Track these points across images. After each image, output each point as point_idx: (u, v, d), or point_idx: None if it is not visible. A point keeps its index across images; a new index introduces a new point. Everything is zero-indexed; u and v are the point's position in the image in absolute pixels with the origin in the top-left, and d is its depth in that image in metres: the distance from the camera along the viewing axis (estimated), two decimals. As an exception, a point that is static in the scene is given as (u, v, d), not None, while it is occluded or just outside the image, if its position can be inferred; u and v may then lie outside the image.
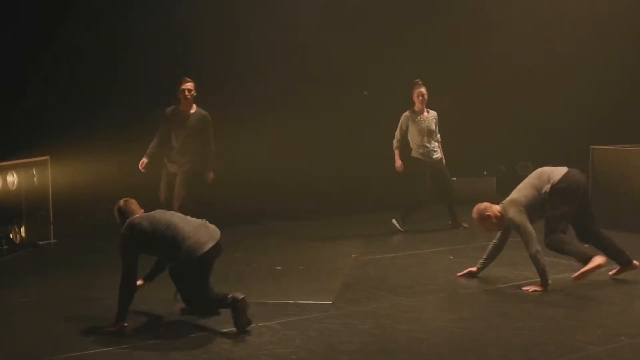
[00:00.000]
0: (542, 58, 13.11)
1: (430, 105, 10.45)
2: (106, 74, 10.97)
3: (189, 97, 9.32)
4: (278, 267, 8.31)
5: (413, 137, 10.39)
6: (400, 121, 10.45)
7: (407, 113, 10.42)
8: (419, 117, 10.35)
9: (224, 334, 5.97)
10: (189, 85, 9.35)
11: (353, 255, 8.92)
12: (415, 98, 10.37)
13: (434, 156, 10.41)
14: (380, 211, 11.82)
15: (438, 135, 10.47)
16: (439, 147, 10.50)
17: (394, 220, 10.49)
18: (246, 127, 11.35)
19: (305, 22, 11.87)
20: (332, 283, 7.58)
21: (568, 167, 7.59)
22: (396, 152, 10.49)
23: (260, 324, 6.18)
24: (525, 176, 7.83)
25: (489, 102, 12.94)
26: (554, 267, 7.99)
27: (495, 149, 13.12)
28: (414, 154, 10.48)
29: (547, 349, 5.58)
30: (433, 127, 10.39)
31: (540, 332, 6.00)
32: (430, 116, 10.41)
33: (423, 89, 10.33)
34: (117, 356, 5.50)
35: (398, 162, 10.47)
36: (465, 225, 10.37)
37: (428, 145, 10.36)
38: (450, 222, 10.65)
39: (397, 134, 10.47)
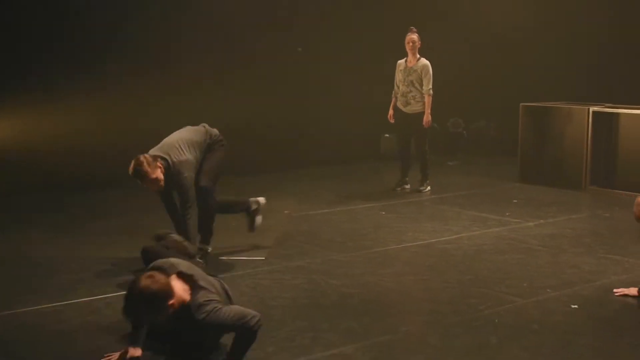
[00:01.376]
0: (472, 15, 13.18)
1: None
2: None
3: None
4: (211, 224, 8.29)
5: (398, 85, 10.10)
6: (396, 69, 10.13)
7: (400, 61, 10.08)
8: (403, 66, 10.00)
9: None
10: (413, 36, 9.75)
11: (286, 212, 8.95)
12: (405, 44, 9.93)
13: (411, 107, 9.92)
14: (313, 166, 11.88)
15: (429, 87, 9.78)
16: (423, 99, 9.86)
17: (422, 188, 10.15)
18: (188, 82, 11.22)
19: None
20: (264, 239, 7.61)
21: None
22: (392, 101, 10.15)
23: (193, 281, 6.20)
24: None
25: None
26: (483, 222, 8.16)
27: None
28: (397, 102, 10.13)
29: (474, 301, 5.71)
30: (414, 76, 9.87)
31: (468, 286, 6.13)
32: (417, 66, 9.88)
33: (413, 36, 9.85)
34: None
35: (389, 112, 10.14)
36: (407, 187, 10.23)
37: (406, 95, 9.93)
38: (400, 179, 10.31)
39: (395, 82, 10.13)
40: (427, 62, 9.90)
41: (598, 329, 5.15)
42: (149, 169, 6.29)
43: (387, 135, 12.80)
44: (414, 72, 9.87)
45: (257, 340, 4.49)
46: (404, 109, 10.03)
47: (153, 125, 10.92)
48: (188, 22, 11.48)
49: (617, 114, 10.12)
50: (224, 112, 11.52)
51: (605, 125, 10.22)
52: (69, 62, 10.79)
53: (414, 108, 9.94)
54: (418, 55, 9.93)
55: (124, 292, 4.33)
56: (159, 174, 6.38)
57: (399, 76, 10.06)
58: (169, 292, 4.31)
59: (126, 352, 4.57)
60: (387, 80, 10.52)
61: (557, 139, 10.54)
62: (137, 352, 4.55)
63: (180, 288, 4.41)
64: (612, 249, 7.18)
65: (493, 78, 12.86)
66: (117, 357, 4.60)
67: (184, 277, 4.50)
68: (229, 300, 4.86)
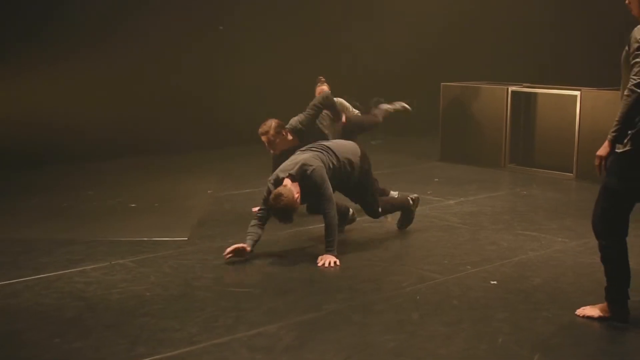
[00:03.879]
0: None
1: None
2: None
3: None
4: (132, 205, 8.22)
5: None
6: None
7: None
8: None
9: (77, 273, 5.89)
10: None
11: (209, 191, 8.92)
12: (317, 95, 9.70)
13: None
14: (236, 146, 11.83)
15: (355, 111, 9.05)
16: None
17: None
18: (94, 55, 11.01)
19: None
20: (187, 219, 7.58)
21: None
22: None
23: (114, 262, 6.14)
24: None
25: (343, 42, 13.02)
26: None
27: (347, 85, 13.28)
28: None
29: (396, 279, 5.79)
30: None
31: (389, 264, 6.21)
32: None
33: (324, 87, 9.03)
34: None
35: None
36: None
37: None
38: None
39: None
40: (341, 99, 9.05)
41: (516, 303, 5.26)
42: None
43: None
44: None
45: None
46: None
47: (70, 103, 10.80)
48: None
49: (535, 93, 10.33)
50: (151, 89, 11.40)
51: (524, 104, 10.44)
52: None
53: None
54: None
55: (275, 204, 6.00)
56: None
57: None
58: (295, 198, 6.08)
59: (242, 247, 6.19)
60: (310, 60, 10.57)
61: (477, 119, 10.72)
62: (248, 247, 6.23)
63: (292, 184, 6.18)
64: (530, 226, 7.35)
65: (415, 58, 12.97)
66: (233, 249, 6.17)
67: (290, 175, 6.25)
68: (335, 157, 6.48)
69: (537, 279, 5.78)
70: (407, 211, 7.19)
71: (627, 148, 4.70)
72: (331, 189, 6.31)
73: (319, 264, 6.13)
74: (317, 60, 10.24)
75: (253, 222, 6.38)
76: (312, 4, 12.92)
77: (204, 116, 11.98)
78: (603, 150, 4.72)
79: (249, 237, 6.29)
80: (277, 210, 6.06)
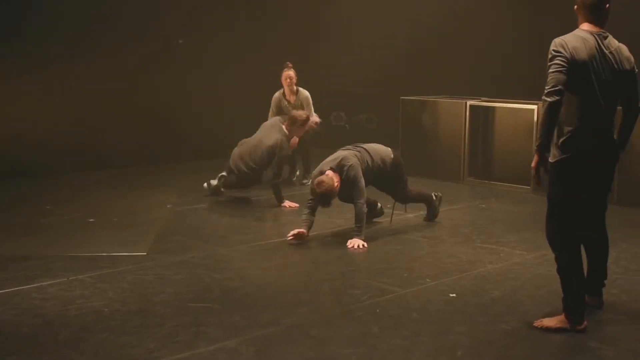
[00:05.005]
0: (354, 11, 13.30)
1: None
2: None
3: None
4: (91, 219, 8.14)
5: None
6: (271, 103, 10.16)
7: (276, 95, 10.13)
8: (283, 102, 10.07)
9: (34, 289, 5.82)
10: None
11: (168, 206, 8.87)
12: (283, 81, 10.09)
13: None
14: (197, 159, 11.81)
15: (313, 115, 10.01)
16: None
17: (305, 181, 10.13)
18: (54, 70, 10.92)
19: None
20: (146, 234, 7.52)
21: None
22: None
23: (72, 278, 6.08)
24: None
25: (303, 57, 13.04)
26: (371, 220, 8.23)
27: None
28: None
29: (356, 292, 5.79)
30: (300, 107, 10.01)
31: (349, 277, 6.22)
32: (298, 100, 10.08)
33: (290, 72, 10.01)
34: None
35: None
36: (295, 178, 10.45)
37: None
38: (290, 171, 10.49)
39: (270, 112, 10.13)
40: (307, 94, 10.16)
41: (475, 316, 5.29)
42: None
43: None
44: (297, 106, 9.99)
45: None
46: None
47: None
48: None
49: (493, 107, 10.43)
50: (111, 103, 11.32)
51: (482, 118, 10.53)
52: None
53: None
54: (296, 88, 10.13)
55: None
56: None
57: (275, 110, 10.07)
58: (335, 186, 7.14)
59: (302, 232, 7.18)
60: (269, 74, 10.56)
61: (436, 133, 10.79)
62: (306, 231, 7.22)
63: (334, 175, 7.23)
64: (489, 239, 7.40)
65: (374, 72, 13.02)
66: (295, 233, 7.17)
67: (332, 168, 7.29)
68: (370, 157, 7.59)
69: (495, 291, 5.83)
70: (431, 206, 8.17)
71: (563, 156, 4.82)
72: (363, 183, 7.34)
73: (349, 246, 7.09)
74: (277, 75, 10.28)
75: (304, 211, 7.37)
76: (271, 19, 12.96)
77: (165, 130, 11.90)
78: (534, 161, 4.84)
79: (304, 224, 7.27)
80: (318, 194, 7.12)
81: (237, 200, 9.21)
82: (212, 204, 8.97)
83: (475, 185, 10.28)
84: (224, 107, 12.45)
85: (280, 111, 10.07)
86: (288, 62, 10.15)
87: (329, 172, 7.26)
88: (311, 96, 10.16)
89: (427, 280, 6.10)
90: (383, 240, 7.36)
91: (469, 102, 10.48)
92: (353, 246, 7.06)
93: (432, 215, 8.18)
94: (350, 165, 7.30)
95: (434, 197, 8.19)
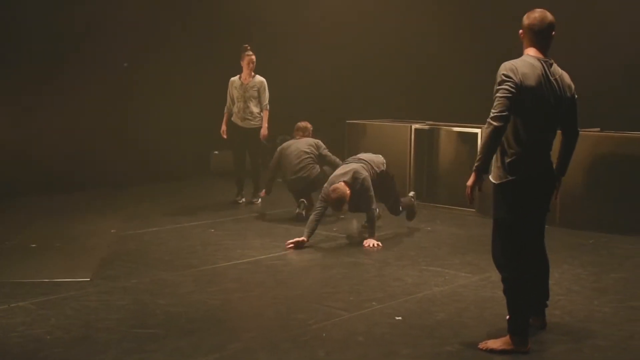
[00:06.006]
0: (301, 35, 13.36)
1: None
2: None
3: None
4: (33, 245, 8.01)
5: (233, 101, 10.38)
6: (228, 86, 10.44)
7: (233, 78, 10.39)
8: (238, 83, 10.28)
9: (-27, 317, 5.71)
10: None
11: (112, 231, 8.76)
12: (245, 65, 10.24)
13: (249, 122, 10.31)
14: (142, 184, 11.72)
15: (266, 102, 10.30)
16: (261, 114, 10.35)
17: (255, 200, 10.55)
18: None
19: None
20: (90, 259, 7.42)
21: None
22: (225, 117, 10.47)
23: (13, 305, 5.97)
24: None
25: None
26: (313, 237, 8.24)
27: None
28: (233, 118, 10.43)
29: (303, 316, 5.78)
30: (251, 93, 10.24)
31: (296, 301, 6.20)
32: (253, 83, 10.25)
33: (253, 57, 10.21)
34: None
35: (222, 127, 10.44)
36: (243, 200, 10.55)
37: (244, 110, 10.27)
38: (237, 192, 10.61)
39: (227, 99, 10.45)
40: (264, 79, 10.36)
41: (420, 338, 5.32)
42: None
43: (217, 152, 12.86)
44: (251, 88, 10.27)
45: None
46: (241, 124, 10.37)
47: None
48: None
49: (438, 131, 10.54)
50: (59, 126, 11.16)
51: (427, 142, 10.62)
52: None
53: (252, 123, 10.35)
54: (253, 73, 10.28)
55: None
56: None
57: (234, 92, 10.38)
58: (347, 193, 8.00)
59: (301, 240, 7.86)
60: (216, 98, 10.56)
61: (382, 155, 10.83)
62: (305, 239, 7.92)
63: (346, 187, 8.04)
64: (434, 261, 7.46)
65: (320, 96, 13.07)
66: (293, 242, 7.85)
67: (345, 182, 8.05)
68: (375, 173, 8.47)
69: (441, 314, 5.86)
70: (412, 208, 9.07)
71: (509, 178, 4.90)
72: (373, 192, 8.15)
73: (365, 246, 7.97)
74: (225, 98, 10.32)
75: (312, 216, 8.08)
76: (219, 43, 12.95)
77: (111, 155, 11.77)
78: (470, 180, 4.90)
79: (307, 230, 7.97)
80: (332, 199, 7.94)
81: (183, 225, 9.15)
82: (158, 229, 8.89)
83: (420, 207, 10.32)
84: (170, 132, 12.38)
85: (232, 91, 10.35)
86: (247, 45, 10.30)
87: (342, 184, 8.01)
88: (267, 113, 10.34)
89: (373, 303, 6.12)
90: (328, 264, 7.37)
91: (413, 126, 10.58)
92: (369, 245, 7.96)
93: (412, 216, 9.11)
94: (364, 178, 8.13)
95: (414, 200, 9.19)
